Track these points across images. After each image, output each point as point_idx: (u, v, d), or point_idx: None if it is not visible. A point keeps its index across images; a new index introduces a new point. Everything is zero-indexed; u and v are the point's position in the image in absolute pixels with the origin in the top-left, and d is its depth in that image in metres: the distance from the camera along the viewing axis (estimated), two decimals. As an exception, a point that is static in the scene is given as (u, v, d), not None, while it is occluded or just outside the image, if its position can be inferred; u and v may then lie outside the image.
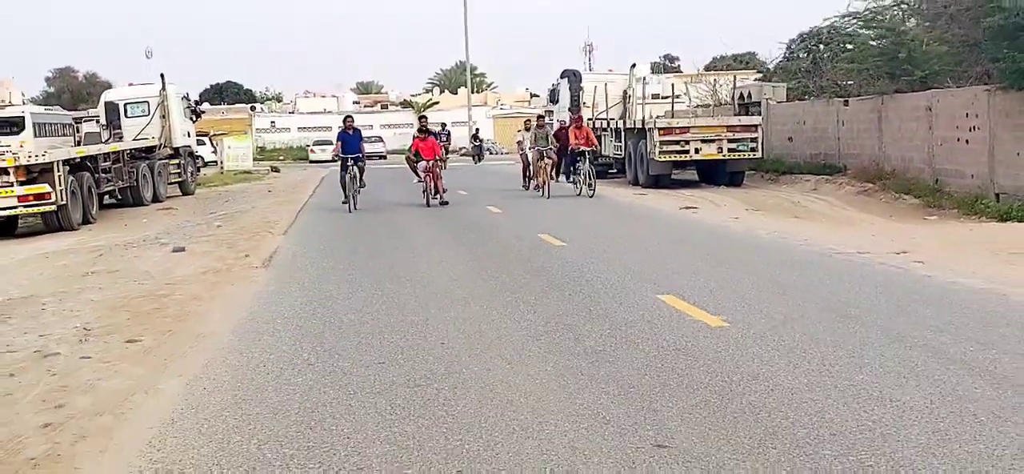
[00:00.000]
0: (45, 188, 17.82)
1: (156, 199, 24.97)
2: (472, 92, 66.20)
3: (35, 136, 21.43)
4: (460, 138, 55.22)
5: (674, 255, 11.67)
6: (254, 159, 46.65)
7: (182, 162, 28.09)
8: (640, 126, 24.12)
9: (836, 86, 24.89)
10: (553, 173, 22.71)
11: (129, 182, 23.48)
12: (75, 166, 19.59)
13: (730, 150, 22.76)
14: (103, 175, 21.55)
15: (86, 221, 19.52)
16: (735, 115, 24.56)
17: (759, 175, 24.67)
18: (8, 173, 17.64)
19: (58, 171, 18.15)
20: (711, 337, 6.79)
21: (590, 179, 20.84)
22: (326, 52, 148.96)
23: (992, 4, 15.63)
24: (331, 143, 36.52)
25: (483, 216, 17.73)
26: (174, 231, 17.04)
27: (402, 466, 4.45)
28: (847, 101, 22.59)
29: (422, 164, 19.88)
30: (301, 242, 14.49)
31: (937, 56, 19.24)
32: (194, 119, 30.41)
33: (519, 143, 29.95)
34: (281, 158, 57.97)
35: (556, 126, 26.37)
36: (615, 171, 27.20)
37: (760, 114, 25.01)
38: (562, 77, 30.76)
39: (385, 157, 52.47)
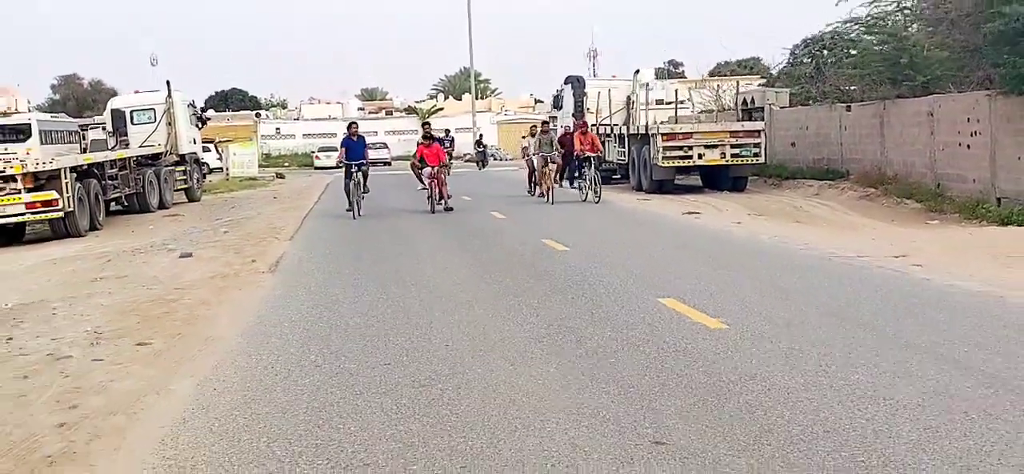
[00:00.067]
0: (52, 195, 17.95)
1: (162, 206, 25.12)
2: (476, 98, 66.32)
3: (41, 143, 21.61)
4: (465, 144, 55.37)
5: (676, 260, 11.80)
6: (259, 166, 46.89)
7: (188, 169, 28.27)
8: (644, 132, 24.24)
9: (839, 91, 25.01)
10: (557, 178, 22.86)
11: (135, 189, 23.65)
12: (82, 173, 19.74)
13: (733, 155, 22.89)
14: (110, 182, 21.72)
15: (93, 227, 19.68)
16: (738, 121, 24.67)
17: (762, 180, 24.80)
18: (16, 180, 17.77)
19: (65, 178, 18.27)
20: (710, 339, 6.92)
21: (595, 185, 20.95)
22: (331, 59, 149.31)
23: (992, 10, 15.74)
24: (336, 149, 36.74)
25: (487, 222, 17.87)
26: (181, 237, 17.19)
27: (408, 462, 4.58)
28: (849, 106, 22.73)
29: (427, 170, 20.01)
30: (307, 248, 14.64)
31: (939, 61, 19.35)
32: (200, 126, 30.61)
33: (524, 149, 30.09)
34: (286, 165, 58.17)
35: (560, 132, 26.57)
36: (619, 177, 27.34)
37: (763, 119, 25.15)
38: (566, 83, 30.96)
39: (390, 163, 52.60)
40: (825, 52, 29.22)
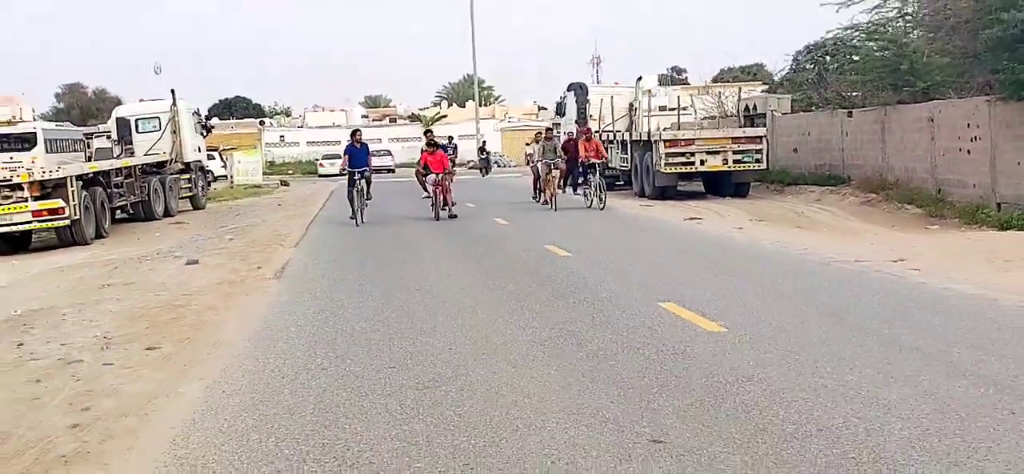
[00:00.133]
0: (58, 203, 18.12)
1: (168, 213, 25.30)
2: (480, 105, 66.52)
3: (47, 152, 21.83)
4: (468, 151, 55.55)
5: (678, 265, 11.92)
6: (264, 173, 47.10)
7: (193, 176, 28.45)
8: (646, 138, 24.35)
9: (840, 97, 25.12)
10: (561, 184, 22.99)
11: (141, 197, 23.82)
12: (88, 181, 19.91)
13: (735, 161, 22.98)
14: (115, 190, 21.89)
15: (99, 235, 19.84)
16: (740, 127, 24.79)
17: (764, 186, 24.90)
18: (22, 188, 17.94)
19: (71, 186, 18.44)
20: (709, 341, 7.05)
21: (600, 191, 21.05)
22: (335, 67, 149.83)
23: (991, 17, 15.86)
24: (340, 157, 36.89)
25: (491, 228, 18.00)
26: (187, 244, 17.35)
27: (411, 461, 4.71)
28: (851, 112, 22.83)
29: (431, 177, 20.14)
30: (312, 254, 14.78)
31: (939, 67, 19.46)
32: (204, 134, 30.81)
33: (529, 156, 30.27)
34: (290, 172, 58.43)
35: (563, 138, 26.71)
36: (622, 183, 27.45)
37: (765, 126, 25.23)
38: (569, 90, 31.11)
39: (393, 171, 52.78)
40: (827, 58, 29.37)
